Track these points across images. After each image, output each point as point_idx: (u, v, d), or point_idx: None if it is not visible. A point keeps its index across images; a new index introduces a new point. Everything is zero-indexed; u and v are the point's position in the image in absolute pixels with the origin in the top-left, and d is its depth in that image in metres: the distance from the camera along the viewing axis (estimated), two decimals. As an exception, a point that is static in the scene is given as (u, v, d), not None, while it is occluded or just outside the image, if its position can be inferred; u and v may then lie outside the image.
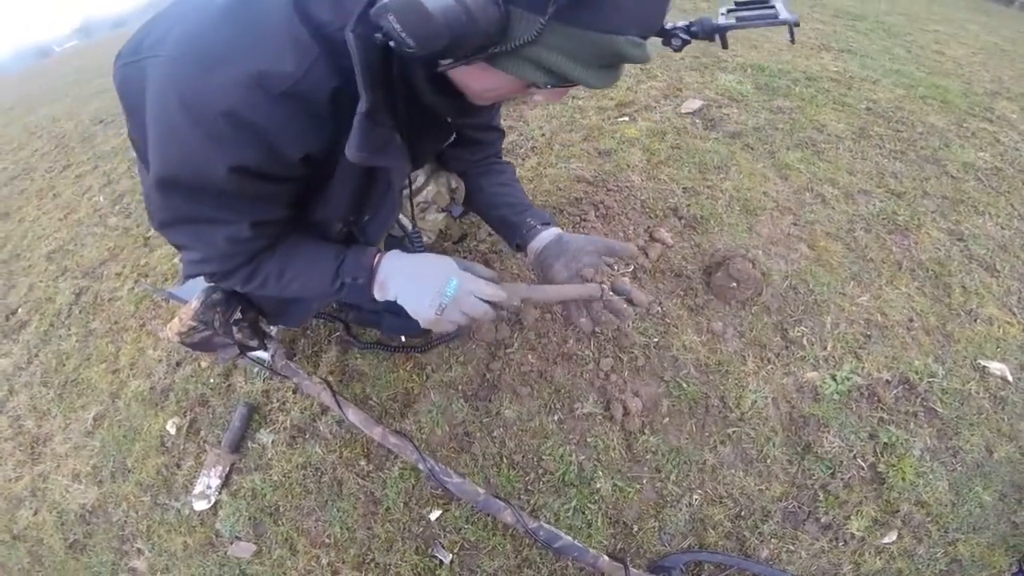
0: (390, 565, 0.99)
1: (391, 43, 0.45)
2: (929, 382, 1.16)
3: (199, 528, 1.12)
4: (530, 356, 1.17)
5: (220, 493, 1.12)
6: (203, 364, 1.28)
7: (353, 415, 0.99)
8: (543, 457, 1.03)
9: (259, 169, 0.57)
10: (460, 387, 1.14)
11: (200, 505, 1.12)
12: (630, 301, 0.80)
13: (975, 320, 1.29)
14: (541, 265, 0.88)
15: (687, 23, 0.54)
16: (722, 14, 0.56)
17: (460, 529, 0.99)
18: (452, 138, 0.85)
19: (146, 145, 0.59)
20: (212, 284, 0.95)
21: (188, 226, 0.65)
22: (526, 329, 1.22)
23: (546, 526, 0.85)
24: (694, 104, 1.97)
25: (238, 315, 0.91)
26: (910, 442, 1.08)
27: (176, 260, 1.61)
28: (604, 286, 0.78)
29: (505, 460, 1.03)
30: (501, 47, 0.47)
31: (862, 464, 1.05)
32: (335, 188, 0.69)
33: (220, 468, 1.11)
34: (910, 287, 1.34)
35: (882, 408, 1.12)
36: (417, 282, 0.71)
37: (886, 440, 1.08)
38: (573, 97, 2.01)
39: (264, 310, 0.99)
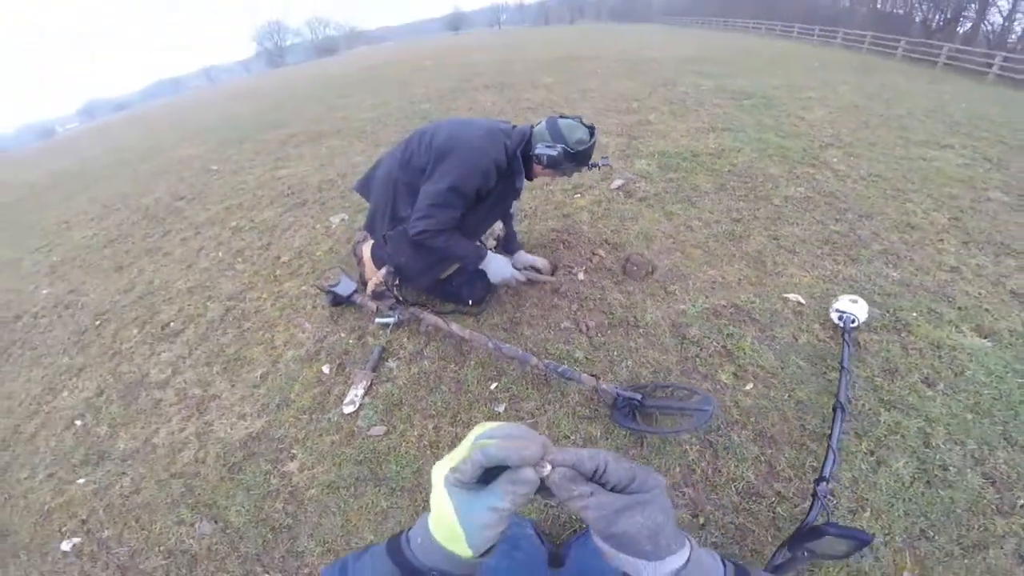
0: (470, 419, 1.87)
1: (539, 159, 1.91)
2: (751, 305, 2.24)
3: (344, 426, 1.91)
4: (535, 307, 2.23)
5: (363, 400, 1.99)
6: (342, 335, 2.23)
7: (455, 327, 1.98)
8: (548, 348, 2.03)
9: (483, 188, 1.87)
10: (498, 323, 2.16)
11: (348, 409, 1.96)
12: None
13: (781, 276, 2.43)
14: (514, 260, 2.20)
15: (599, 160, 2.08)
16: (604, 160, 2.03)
17: (508, 389, 1.92)
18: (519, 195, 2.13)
19: (433, 170, 1.85)
20: (390, 269, 2.02)
21: (445, 208, 1.82)
22: (533, 294, 2.28)
23: (552, 364, 1.81)
24: (618, 182, 3.30)
25: (396, 282, 1.94)
26: (743, 334, 2.10)
27: (303, 287, 2.61)
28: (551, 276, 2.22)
29: (530, 350, 2.01)
30: (558, 168, 1.92)
31: (716, 344, 2.06)
32: (485, 208, 1.95)
33: (364, 383, 2.01)
34: (740, 265, 2.50)
35: (723, 319, 2.18)
36: (498, 264, 2.04)
37: (728, 333, 2.11)
38: (546, 185, 3.32)
39: (408, 275, 2.11)
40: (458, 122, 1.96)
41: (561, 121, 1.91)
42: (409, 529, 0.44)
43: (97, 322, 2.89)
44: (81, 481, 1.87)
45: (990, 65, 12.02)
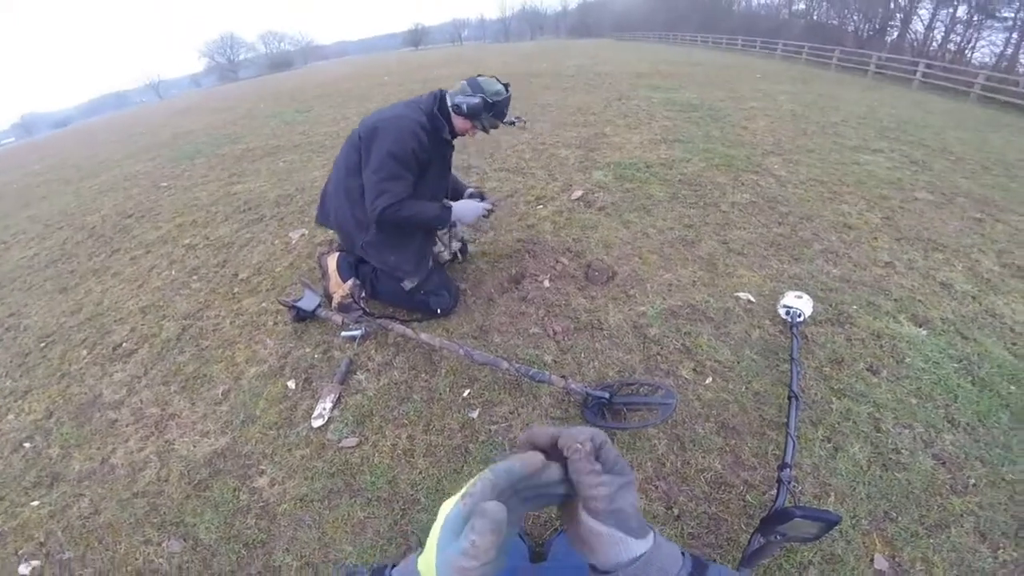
0: (444, 426, 1.89)
1: (458, 108, 2.03)
2: (706, 305, 2.37)
3: (314, 440, 1.88)
4: (503, 314, 2.27)
5: (332, 413, 1.97)
6: (307, 349, 2.20)
7: (425, 336, 1.98)
8: (517, 353, 2.08)
9: (419, 150, 1.97)
10: (468, 332, 2.19)
11: (317, 423, 1.92)
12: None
13: (732, 277, 2.58)
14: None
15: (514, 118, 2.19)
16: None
17: (481, 395, 1.95)
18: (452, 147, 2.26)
19: (368, 154, 1.94)
20: (356, 281, 2.01)
21: (395, 180, 1.93)
22: (501, 303, 2.32)
23: (523, 367, 1.85)
24: (578, 193, 3.41)
25: (363, 294, 1.94)
26: (700, 332, 2.22)
27: (263, 304, 2.55)
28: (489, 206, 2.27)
29: (500, 356, 2.05)
30: (477, 118, 2.04)
31: (676, 343, 2.17)
32: (430, 176, 2.04)
33: (332, 396, 1.99)
34: (693, 268, 2.64)
35: (681, 318, 2.30)
36: (465, 207, 2.17)
37: (685, 331, 2.22)
38: (510, 196, 3.39)
39: (405, 270, 2.17)
40: (376, 111, 2.14)
41: (480, 78, 2.08)
42: (394, 565, 0.43)
43: (42, 344, 2.73)
44: (35, 503, 1.78)
45: (914, 72, 12.96)
